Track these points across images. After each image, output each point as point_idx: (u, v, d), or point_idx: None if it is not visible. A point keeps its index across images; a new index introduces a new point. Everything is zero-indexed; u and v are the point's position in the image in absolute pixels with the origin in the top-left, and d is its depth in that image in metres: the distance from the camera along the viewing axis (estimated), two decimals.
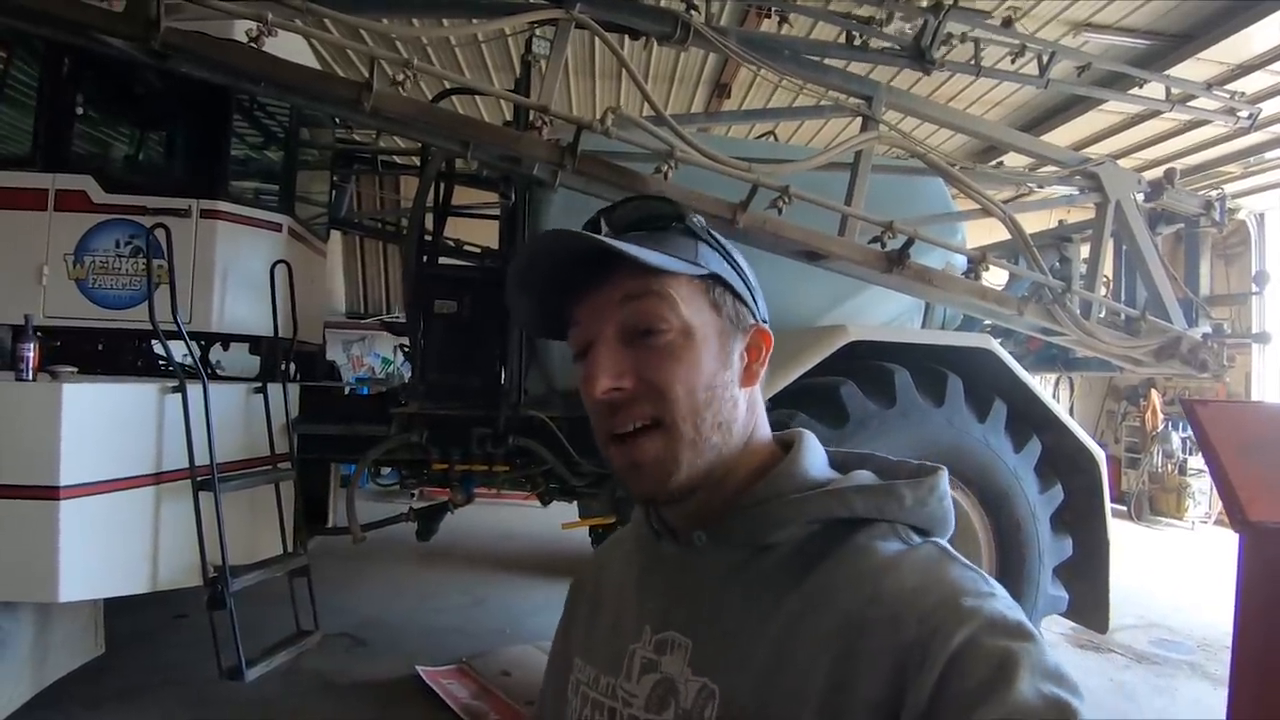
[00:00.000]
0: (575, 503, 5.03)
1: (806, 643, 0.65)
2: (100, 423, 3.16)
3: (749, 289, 0.79)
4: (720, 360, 0.74)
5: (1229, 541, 7.64)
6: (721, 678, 0.69)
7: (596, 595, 0.91)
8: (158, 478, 3.36)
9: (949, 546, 0.71)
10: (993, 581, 0.65)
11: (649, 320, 0.72)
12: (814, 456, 0.78)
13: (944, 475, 0.74)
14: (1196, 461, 10.34)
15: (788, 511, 0.72)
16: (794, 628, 0.67)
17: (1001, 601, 0.62)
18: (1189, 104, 5.63)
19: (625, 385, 0.71)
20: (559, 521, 5.15)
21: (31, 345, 3.07)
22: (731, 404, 0.74)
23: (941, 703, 0.56)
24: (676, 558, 0.78)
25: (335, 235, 7.71)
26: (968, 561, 0.68)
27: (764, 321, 0.80)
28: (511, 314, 0.79)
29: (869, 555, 0.68)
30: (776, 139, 6.15)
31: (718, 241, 0.78)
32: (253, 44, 3.07)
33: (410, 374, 4.47)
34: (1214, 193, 4.95)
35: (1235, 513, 2.04)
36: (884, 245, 3.66)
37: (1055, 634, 5.11)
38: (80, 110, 3.97)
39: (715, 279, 0.75)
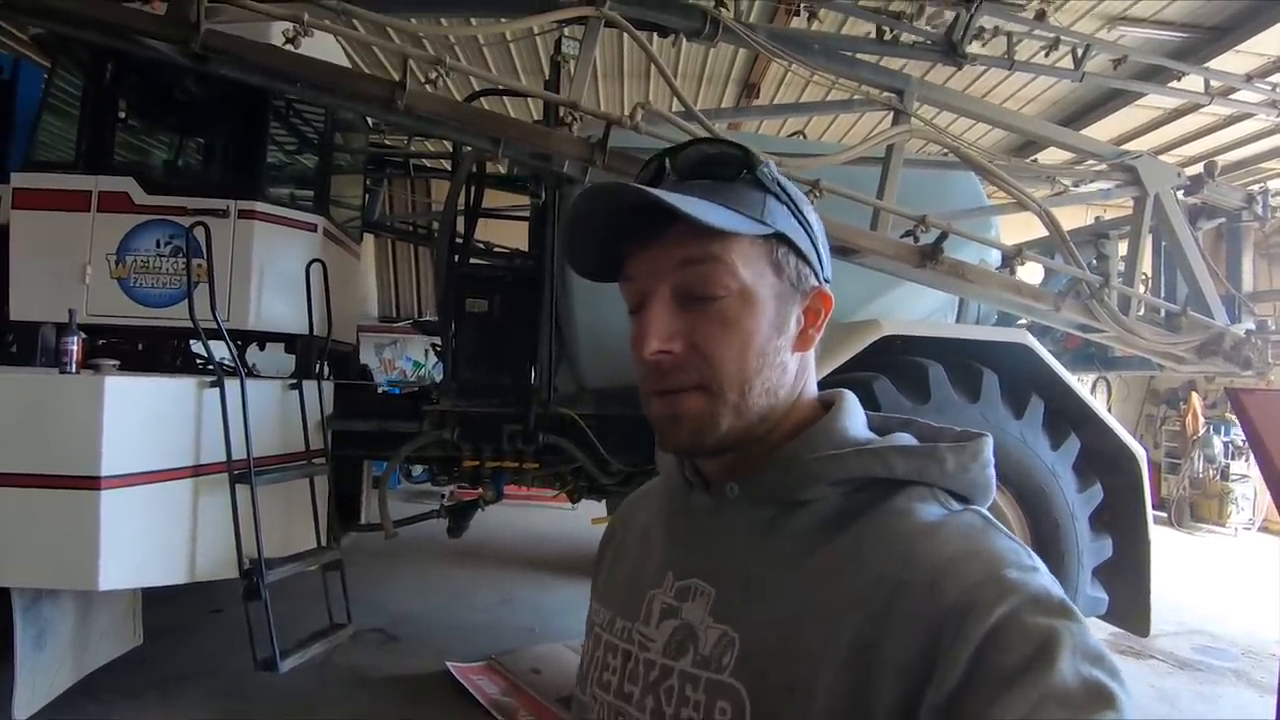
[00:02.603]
0: (604, 500, 5.03)
1: (835, 600, 0.64)
2: (141, 416, 3.23)
3: (815, 247, 0.75)
4: (775, 326, 0.71)
5: (1273, 549, 7.45)
6: (743, 627, 0.67)
7: (621, 541, 0.90)
8: (196, 470, 3.42)
9: (990, 516, 0.68)
10: (1035, 555, 0.63)
11: (706, 286, 0.69)
12: (854, 416, 0.76)
13: (988, 442, 0.71)
14: (1239, 466, 10.09)
15: (825, 468, 0.70)
16: (823, 584, 0.65)
17: (1045, 577, 0.60)
18: (1229, 97, 5.51)
19: (674, 349, 0.69)
20: (587, 519, 5.16)
21: (75, 339, 3.15)
22: (781, 370, 0.72)
23: (978, 676, 0.54)
24: (706, 508, 0.77)
25: (368, 240, 7.82)
26: (1009, 532, 0.66)
27: (827, 282, 0.77)
28: (566, 256, 0.76)
29: (908, 518, 0.66)
30: (806, 139, 6.13)
31: (787, 194, 0.73)
32: (289, 44, 3.14)
33: (442, 373, 4.51)
34: (1256, 187, 4.83)
35: None
36: (917, 240, 3.62)
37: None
38: (122, 115, 4.08)
39: (779, 238, 0.72)
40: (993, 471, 0.71)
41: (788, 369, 0.73)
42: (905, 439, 0.73)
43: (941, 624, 0.57)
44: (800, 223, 0.73)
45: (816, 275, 0.75)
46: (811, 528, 0.69)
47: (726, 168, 0.73)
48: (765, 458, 0.74)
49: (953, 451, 0.69)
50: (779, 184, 0.73)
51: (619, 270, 0.75)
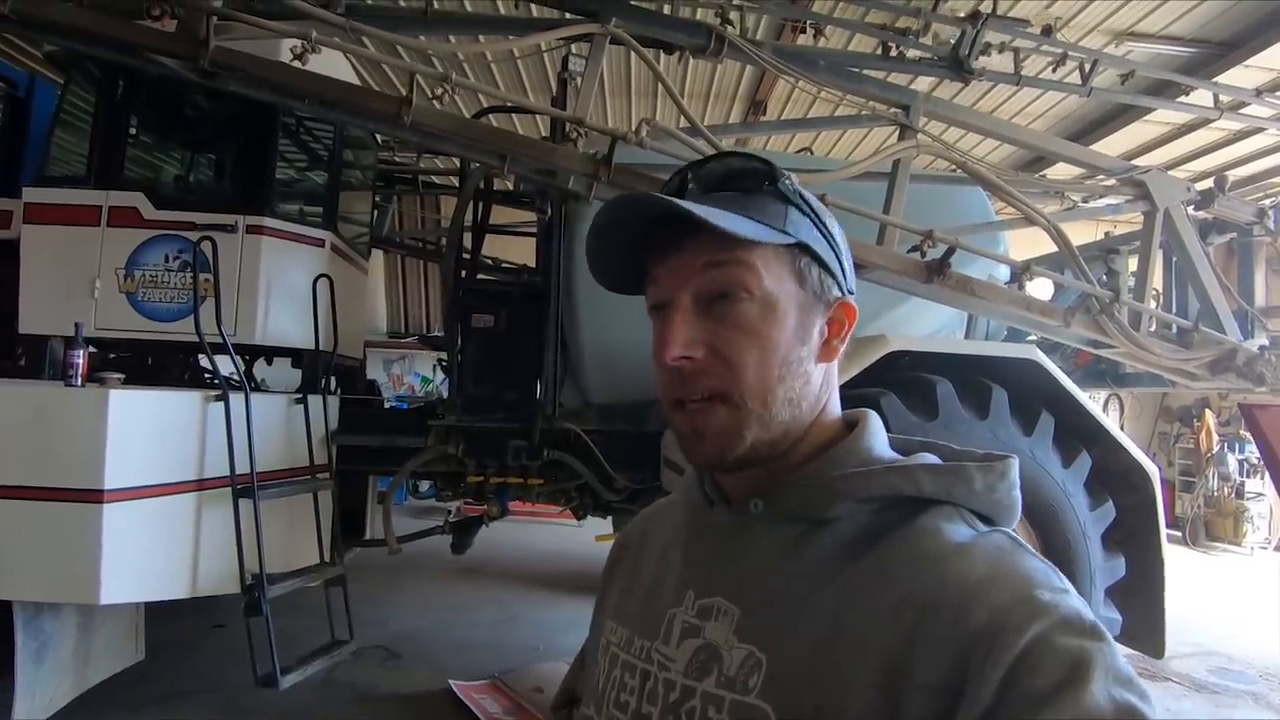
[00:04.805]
0: (609, 517, 5.00)
1: (864, 619, 0.63)
2: (145, 429, 3.23)
3: (838, 259, 0.75)
4: (798, 335, 0.71)
5: None
6: (770, 647, 0.66)
7: (637, 557, 0.88)
8: (200, 484, 3.42)
9: (1018, 537, 0.68)
10: (1064, 577, 0.62)
11: (728, 289, 0.69)
12: (878, 436, 0.76)
13: (1015, 463, 0.71)
14: (1254, 484, 9.96)
15: (852, 485, 0.69)
16: (851, 603, 0.64)
17: (1075, 599, 0.60)
18: (1239, 112, 5.48)
19: (696, 355, 0.69)
20: (591, 537, 5.13)
21: (81, 353, 3.16)
22: (804, 380, 0.72)
23: (1009, 698, 0.54)
24: (728, 525, 0.76)
25: (377, 256, 7.87)
26: (1037, 554, 0.65)
27: (850, 293, 0.76)
28: (590, 268, 0.77)
29: (936, 537, 0.65)
30: (813, 154, 6.14)
31: (810, 206, 0.74)
32: (297, 61, 3.17)
33: (448, 388, 4.51)
34: (1267, 201, 4.79)
35: None
36: (924, 255, 3.60)
37: None
38: (133, 131, 4.12)
39: (802, 248, 0.72)
40: (1019, 493, 0.71)
41: (811, 380, 0.73)
42: (930, 459, 0.73)
43: (972, 645, 0.57)
44: (823, 234, 0.74)
45: (840, 286, 0.75)
46: (838, 546, 0.69)
47: (748, 180, 0.74)
48: (789, 475, 0.73)
49: (980, 471, 0.69)
50: (801, 196, 0.74)
51: (642, 282, 0.76)
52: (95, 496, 3.02)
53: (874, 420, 0.77)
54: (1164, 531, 3.76)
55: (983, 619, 0.57)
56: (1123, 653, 0.57)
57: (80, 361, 3.15)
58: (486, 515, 4.57)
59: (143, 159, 4.28)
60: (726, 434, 0.70)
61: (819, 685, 0.62)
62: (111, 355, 4.08)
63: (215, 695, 3.98)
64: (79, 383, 3.14)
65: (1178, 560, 4.07)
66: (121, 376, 3.31)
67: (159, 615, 3.83)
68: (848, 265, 0.77)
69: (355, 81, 4.35)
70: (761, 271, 0.69)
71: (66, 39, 3.35)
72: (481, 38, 4.48)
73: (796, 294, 0.72)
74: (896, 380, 3.53)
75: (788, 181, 0.73)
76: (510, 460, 4.23)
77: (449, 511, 6.03)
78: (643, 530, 0.92)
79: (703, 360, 0.69)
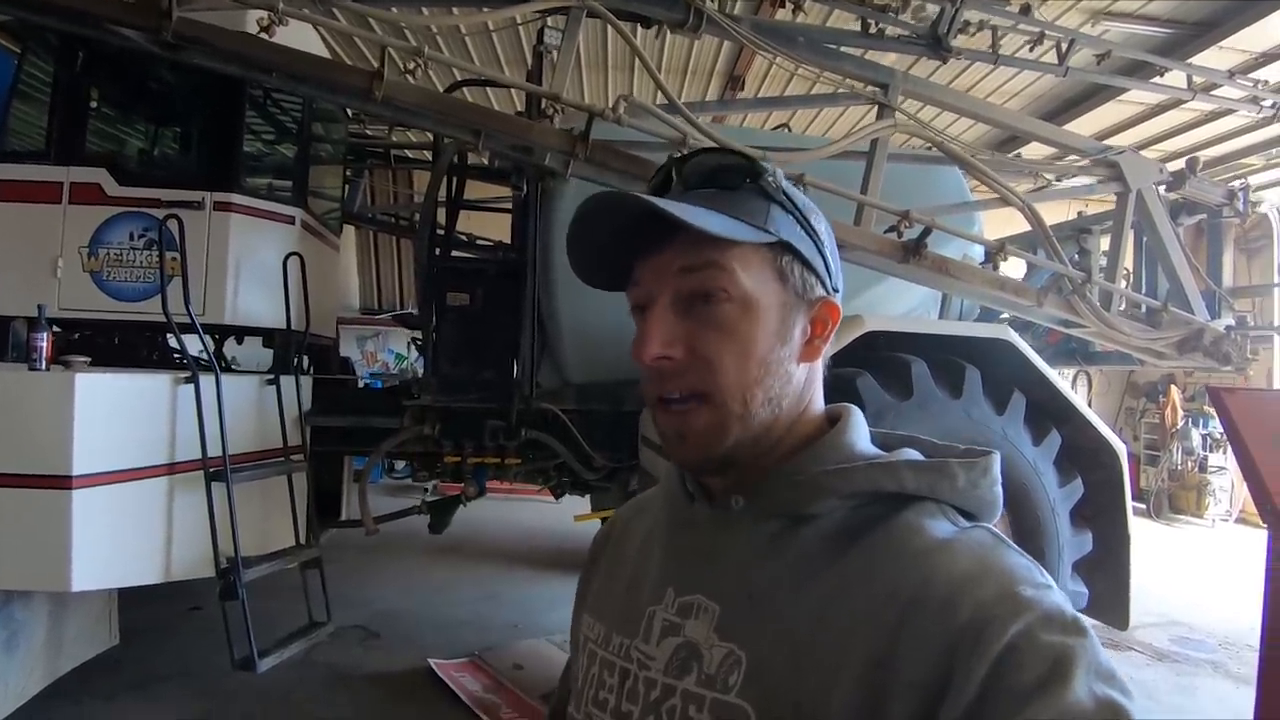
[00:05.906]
0: (588, 495, 5.01)
1: (846, 616, 0.63)
2: (113, 413, 3.17)
3: (823, 257, 0.74)
4: (779, 335, 0.71)
5: (1250, 540, 7.52)
6: (750, 645, 0.66)
7: (617, 551, 0.88)
8: (171, 468, 3.37)
9: (999, 533, 0.68)
10: (1046, 573, 0.63)
11: (706, 289, 0.69)
12: (860, 432, 0.76)
13: (997, 459, 0.71)
14: (1217, 459, 10.22)
15: (833, 481, 0.69)
16: (833, 600, 0.64)
17: (1057, 594, 0.60)
18: (1211, 93, 5.54)
19: (675, 354, 0.69)
20: (571, 514, 5.14)
21: (45, 335, 3.08)
22: (785, 379, 0.71)
23: (993, 693, 0.54)
24: (709, 521, 0.76)
25: (349, 231, 7.74)
26: (1019, 549, 0.65)
27: (835, 291, 0.76)
28: (572, 265, 0.77)
29: (918, 534, 0.65)
30: (790, 131, 6.10)
31: (794, 203, 0.73)
32: (263, 33, 3.07)
33: (423, 367, 4.47)
34: (1237, 182, 4.86)
35: (1264, 503, 1.98)
36: (900, 235, 3.61)
37: None
38: (94, 104, 3.99)
39: (784, 246, 0.71)
40: (1000, 489, 0.71)
41: (792, 379, 0.72)
42: (913, 454, 0.72)
43: (956, 641, 0.57)
44: (807, 232, 0.73)
45: (824, 285, 0.74)
46: (819, 542, 0.69)
47: (731, 176, 0.73)
48: (770, 471, 0.73)
49: (963, 468, 0.69)
50: (785, 193, 0.73)
51: (628, 278, 0.75)
52: (64, 482, 2.96)
53: (856, 415, 0.77)
54: (1130, 507, 3.85)
55: (967, 615, 0.57)
56: (1087, 624, 0.58)
57: (44, 344, 3.07)
58: (464, 495, 4.56)
59: (105, 133, 4.15)
60: (709, 435, 0.69)
61: (800, 683, 0.62)
62: (76, 336, 3.98)
63: (193, 679, 3.95)
64: (44, 366, 3.06)
65: (1141, 532, 4.16)
66: (88, 359, 3.24)
67: (134, 599, 3.79)
68: (833, 264, 0.76)
69: (325, 54, 4.25)
70: (739, 273, 0.69)
71: (18, 8, 3.22)
72: (455, 10, 4.36)
73: (778, 293, 0.71)
74: (872, 360, 3.55)
75: (771, 178, 0.72)
76: (487, 440, 4.21)
77: (426, 490, 6.02)
78: (624, 524, 0.92)
79: (682, 359, 0.69)
